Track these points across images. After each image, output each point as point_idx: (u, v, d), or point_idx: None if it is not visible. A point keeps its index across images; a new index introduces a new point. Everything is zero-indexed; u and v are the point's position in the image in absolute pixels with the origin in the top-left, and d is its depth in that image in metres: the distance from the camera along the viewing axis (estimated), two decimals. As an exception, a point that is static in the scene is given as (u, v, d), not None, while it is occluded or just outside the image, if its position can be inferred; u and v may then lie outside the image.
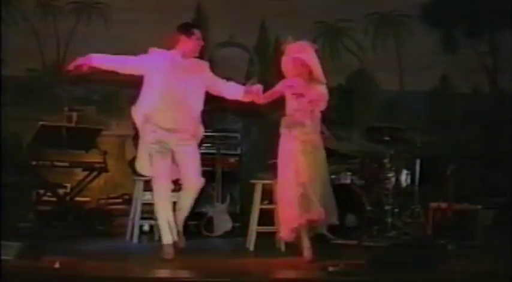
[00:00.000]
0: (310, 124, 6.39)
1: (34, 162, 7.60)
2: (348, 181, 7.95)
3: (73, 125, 7.99)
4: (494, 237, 7.65)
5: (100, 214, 8.25)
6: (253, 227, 7.01)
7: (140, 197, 7.30)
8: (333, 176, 7.33)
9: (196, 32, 6.39)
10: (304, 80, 6.42)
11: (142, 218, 7.34)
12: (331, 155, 7.11)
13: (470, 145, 9.63)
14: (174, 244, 6.30)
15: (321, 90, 6.40)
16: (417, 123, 9.25)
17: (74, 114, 8.07)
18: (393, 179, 7.93)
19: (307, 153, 6.32)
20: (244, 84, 6.56)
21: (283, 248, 6.83)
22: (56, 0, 9.40)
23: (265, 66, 9.49)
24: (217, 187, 7.90)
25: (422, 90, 9.87)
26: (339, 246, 6.96)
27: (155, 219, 7.11)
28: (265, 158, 7.36)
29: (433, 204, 7.65)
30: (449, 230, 7.26)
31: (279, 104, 6.55)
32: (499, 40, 9.90)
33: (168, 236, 6.23)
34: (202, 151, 7.40)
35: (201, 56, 6.51)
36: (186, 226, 6.67)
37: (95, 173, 7.99)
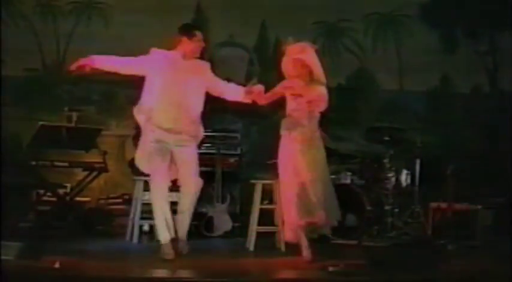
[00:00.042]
0: (309, 124, 6.39)
1: (34, 162, 7.60)
2: (348, 181, 7.96)
3: (73, 125, 7.99)
4: (494, 237, 7.65)
5: (100, 214, 8.25)
6: (253, 227, 7.01)
7: (140, 197, 7.30)
8: (333, 176, 7.32)
9: (198, 33, 6.39)
10: (304, 81, 6.43)
11: (142, 218, 7.33)
12: (331, 155, 7.12)
13: (470, 145, 9.63)
14: (176, 247, 6.31)
15: (321, 91, 6.40)
16: (417, 123, 9.25)
17: (74, 114, 8.07)
18: (393, 179, 7.93)
19: (306, 154, 6.32)
20: (244, 85, 6.56)
21: (283, 248, 6.83)
22: (56, 0, 9.40)
23: (265, 66, 9.49)
24: (217, 187, 7.90)
25: (422, 90, 9.87)
26: (339, 246, 6.96)
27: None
28: (265, 158, 7.37)
29: (433, 204, 7.66)
30: (449, 230, 7.26)
31: (279, 105, 6.55)
32: (499, 40, 9.90)
33: (165, 234, 6.23)
34: (202, 151, 7.42)
35: (201, 56, 6.52)
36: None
37: (95, 173, 7.99)
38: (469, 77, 9.83)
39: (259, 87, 6.47)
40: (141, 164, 6.39)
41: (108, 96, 9.29)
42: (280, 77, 6.57)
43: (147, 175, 6.45)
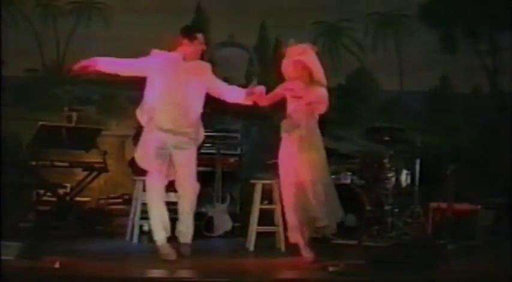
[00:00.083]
0: (309, 126, 6.39)
1: (34, 162, 7.60)
2: (348, 181, 7.95)
3: (73, 125, 7.99)
4: (494, 237, 7.65)
5: (100, 214, 8.25)
6: (253, 227, 7.01)
7: (140, 197, 7.29)
8: (333, 176, 7.32)
9: (199, 36, 6.37)
10: (304, 83, 6.43)
11: (142, 218, 7.33)
12: (331, 155, 7.12)
13: (470, 145, 9.63)
14: (175, 247, 6.31)
15: (321, 93, 6.40)
16: (417, 123, 9.25)
17: (74, 114, 8.07)
18: (393, 179, 7.92)
19: (306, 155, 6.33)
20: (245, 86, 6.56)
21: (283, 248, 6.83)
22: (56, 0, 9.40)
23: (265, 66, 9.50)
24: (217, 187, 7.90)
25: (422, 90, 9.87)
26: (339, 246, 6.96)
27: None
28: (265, 158, 7.37)
29: (433, 204, 7.66)
30: (449, 230, 7.26)
31: (280, 106, 6.55)
32: (499, 40, 9.90)
33: (160, 234, 6.24)
34: (202, 151, 7.42)
35: (201, 57, 6.51)
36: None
37: (95, 173, 7.99)
38: (469, 77, 9.83)
39: (261, 89, 6.47)
40: (140, 161, 6.40)
41: (108, 96, 9.29)
42: (280, 77, 6.57)
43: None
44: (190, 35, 6.35)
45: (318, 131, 6.45)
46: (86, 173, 8.03)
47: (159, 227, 6.25)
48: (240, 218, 7.96)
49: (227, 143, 8.35)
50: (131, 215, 7.43)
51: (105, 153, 8.01)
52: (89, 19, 9.44)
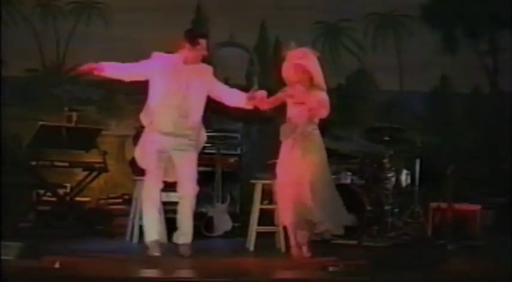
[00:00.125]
0: (308, 129, 6.39)
1: (34, 162, 7.59)
2: (348, 181, 7.96)
3: (73, 125, 7.99)
4: (494, 237, 7.65)
5: (100, 214, 8.25)
6: (253, 227, 7.01)
7: (140, 197, 7.29)
8: (333, 176, 7.33)
9: (202, 42, 6.32)
10: (304, 87, 6.43)
11: (142, 218, 7.32)
12: (331, 155, 7.12)
13: (470, 145, 9.63)
14: (179, 251, 6.34)
15: (322, 97, 6.40)
16: (417, 123, 9.25)
17: (74, 114, 8.06)
18: (393, 179, 7.93)
19: (306, 159, 6.33)
20: (246, 89, 6.55)
21: (283, 248, 6.83)
22: (56, 0, 9.40)
23: (265, 66, 9.50)
24: (217, 187, 7.90)
25: (422, 90, 9.87)
26: (339, 246, 6.96)
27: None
28: (265, 158, 7.37)
29: (433, 204, 7.66)
30: (449, 230, 7.26)
31: (280, 109, 6.56)
32: (499, 40, 9.91)
33: (150, 234, 6.26)
34: (202, 151, 7.41)
35: (202, 60, 6.49)
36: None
37: (95, 173, 7.98)
38: (469, 77, 9.84)
39: (262, 93, 6.46)
40: (140, 161, 6.42)
41: (108, 96, 9.29)
42: (281, 81, 6.57)
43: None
44: (192, 40, 6.31)
45: (318, 134, 6.46)
46: (86, 173, 8.03)
47: (149, 227, 6.28)
48: (240, 218, 7.96)
49: (227, 143, 8.35)
50: (131, 215, 7.42)
51: (105, 153, 8.00)
52: (88, 19, 9.44)
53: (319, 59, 6.50)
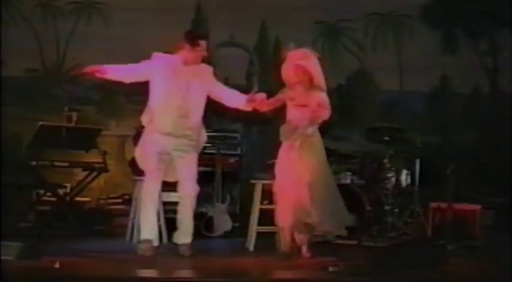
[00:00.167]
0: (308, 130, 6.39)
1: (34, 162, 7.60)
2: (348, 181, 7.96)
3: (73, 125, 7.99)
4: (494, 237, 7.65)
5: (100, 214, 8.25)
6: (253, 227, 7.01)
7: (139, 196, 7.29)
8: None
9: (202, 43, 6.33)
10: (304, 87, 6.42)
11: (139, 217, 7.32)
12: (331, 155, 7.12)
13: (470, 145, 9.63)
14: (179, 251, 6.35)
15: (322, 98, 6.39)
16: (417, 123, 9.25)
17: (74, 114, 8.07)
18: (393, 179, 7.92)
19: (305, 160, 6.33)
20: (246, 91, 6.54)
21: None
22: (56, 0, 9.40)
23: (265, 66, 9.50)
24: (217, 187, 7.91)
25: (422, 91, 9.87)
26: (339, 246, 6.96)
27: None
28: (265, 158, 7.36)
29: (433, 204, 7.66)
30: (449, 230, 7.26)
31: (280, 110, 6.57)
32: (499, 40, 9.91)
33: (145, 232, 6.27)
34: (202, 151, 7.41)
35: (202, 60, 6.49)
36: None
37: (95, 173, 7.99)
38: (469, 77, 9.84)
39: (261, 96, 6.46)
40: (139, 161, 6.42)
41: (108, 96, 9.29)
42: (280, 82, 6.57)
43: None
44: (192, 41, 6.31)
45: (318, 135, 6.46)
46: (86, 173, 8.03)
47: (145, 225, 6.29)
48: (240, 218, 7.96)
49: (227, 143, 8.35)
50: (131, 215, 7.42)
51: (105, 153, 8.01)
52: (88, 19, 9.44)
53: (319, 59, 6.50)
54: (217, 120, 8.36)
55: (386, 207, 7.77)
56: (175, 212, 6.48)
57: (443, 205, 7.48)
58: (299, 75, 6.42)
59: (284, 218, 6.38)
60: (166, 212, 7.28)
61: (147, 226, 6.29)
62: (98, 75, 6.25)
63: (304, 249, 6.44)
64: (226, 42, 9.53)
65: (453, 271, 5.89)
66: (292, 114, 6.44)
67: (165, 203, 7.31)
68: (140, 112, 6.46)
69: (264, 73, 9.46)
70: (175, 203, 6.50)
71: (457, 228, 7.31)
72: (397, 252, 6.37)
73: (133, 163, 6.81)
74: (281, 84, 6.60)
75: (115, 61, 6.45)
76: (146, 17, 9.20)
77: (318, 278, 5.67)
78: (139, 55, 6.47)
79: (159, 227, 7.23)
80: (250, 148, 9.03)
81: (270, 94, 6.60)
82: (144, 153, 6.34)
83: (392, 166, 7.93)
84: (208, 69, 6.48)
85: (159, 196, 6.49)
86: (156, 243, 6.34)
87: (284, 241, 6.49)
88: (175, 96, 6.24)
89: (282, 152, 6.47)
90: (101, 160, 7.97)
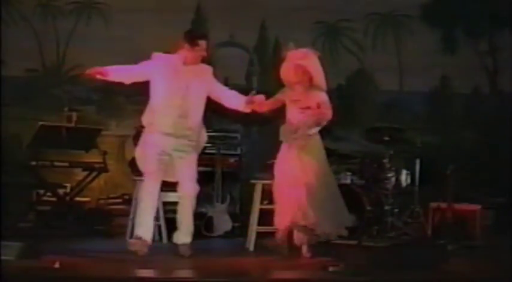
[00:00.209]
0: (308, 130, 6.39)
1: (34, 162, 7.60)
2: (348, 181, 7.95)
3: (73, 125, 7.99)
4: (494, 237, 7.65)
5: (100, 214, 8.25)
6: (253, 227, 7.01)
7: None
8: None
9: (201, 43, 6.34)
10: (303, 87, 6.42)
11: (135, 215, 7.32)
12: (331, 155, 7.12)
13: (470, 145, 9.63)
14: (179, 251, 6.36)
15: (322, 98, 6.39)
16: (417, 123, 9.25)
17: (74, 114, 8.07)
18: (393, 179, 7.92)
19: (306, 161, 6.33)
20: (246, 92, 6.54)
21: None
22: (55, 0, 9.39)
23: (265, 66, 9.49)
24: (217, 187, 7.91)
25: (422, 91, 9.86)
26: (339, 246, 6.96)
27: (155, 219, 7.13)
28: (265, 158, 7.36)
29: (433, 204, 7.66)
30: (449, 230, 7.26)
31: (280, 110, 6.57)
32: (499, 40, 9.90)
33: (140, 229, 6.27)
34: (202, 151, 7.42)
35: (202, 60, 6.49)
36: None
37: (94, 173, 7.99)
38: (469, 77, 9.83)
39: (260, 97, 6.46)
40: (139, 162, 6.42)
41: (108, 96, 9.28)
42: (280, 82, 6.56)
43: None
44: (191, 41, 6.32)
45: (318, 136, 6.46)
46: (85, 173, 8.03)
47: (140, 224, 6.29)
48: (240, 218, 7.96)
49: (227, 143, 8.35)
50: (131, 215, 7.41)
51: (105, 153, 8.01)
52: (88, 19, 9.43)
53: (320, 59, 6.49)
54: (217, 120, 8.35)
55: (387, 207, 7.77)
56: (175, 212, 6.49)
57: (443, 205, 7.48)
58: (299, 75, 6.42)
59: (282, 219, 6.38)
60: (166, 212, 7.29)
61: (143, 224, 6.29)
62: (100, 77, 6.25)
63: (304, 249, 6.44)
64: (226, 42, 9.53)
65: (453, 271, 5.89)
66: (292, 114, 6.45)
67: (165, 203, 7.31)
68: (140, 112, 6.47)
69: (264, 73, 9.46)
70: (175, 203, 6.50)
71: (457, 228, 7.31)
72: (397, 252, 6.37)
73: (133, 163, 6.81)
74: (281, 85, 6.60)
75: (115, 61, 6.46)
76: (146, 17, 9.19)
77: (318, 278, 5.67)
78: (139, 55, 6.48)
79: (159, 227, 7.27)
80: (250, 148, 9.02)
81: (270, 94, 6.60)
82: (144, 154, 6.35)
83: (393, 166, 7.93)
84: (208, 69, 6.48)
85: (159, 196, 6.49)
86: (149, 242, 6.32)
87: (283, 242, 6.50)
88: (176, 95, 6.24)
89: (282, 153, 6.47)
90: (101, 160, 7.97)
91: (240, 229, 7.77)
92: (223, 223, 7.85)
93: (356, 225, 7.29)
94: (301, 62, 6.41)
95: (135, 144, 6.72)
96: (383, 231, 7.66)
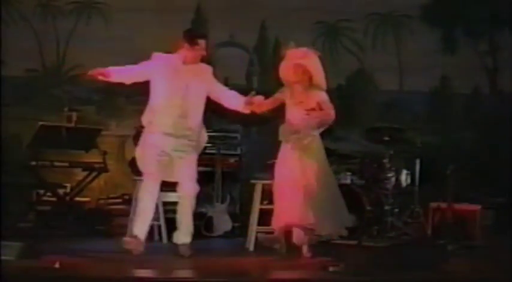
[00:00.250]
0: (307, 130, 6.39)
1: (34, 162, 7.60)
2: (348, 181, 7.95)
3: (73, 125, 7.99)
4: (494, 237, 7.65)
5: (100, 214, 8.25)
6: (253, 227, 7.01)
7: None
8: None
9: (201, 42, 6.35)
10: (303, 87, 6.42)
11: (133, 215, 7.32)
12: (331, 155, 7.12)
13: (470, 145, 9.63)
14: (178, 251, 6.36)
15: (322, 97, 6.39)
16: (417, 123, 9.25)
17: (74, 114, 8.07)
18: (393, 179, 7.92)
19: (304, 160, 6.33)
20: (245, 92, 6.54)
21: (283, 248, 6.82)
22: (55, 0, 9.39)
23: (265, 66, 9.49)
24: (217, 187, 7.91)
25: (422, 91, 9.86)
26: (339, 246, 6.96)
27: (155, 219, 7.14)
28: (265, 158, 7.36)
29: (433, 204, 7.66)
30: (449, 230, 7.26)
31: (280, 110, 6.56)
32: (499, 40, 9.90)
33: (137, 228, 6.28)
34: (202, 151, 7.42)
35: (201, 60, 6.49)
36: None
37: (94, 173, 7.99)
38: (469, 77, 9.83)
39: (259, 98, 6.46)
40: (139, 162, 6.42)
41: (108, 96, 9.28)
42: (279, 81, 6.56)
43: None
44: (191, 40, 6.33)
45: (318, 137, 6.46)
46: (85, 173, 8.03)
47: (138, 222, 6.30)
48: (240, 218, 7.96)
49: (227, 143, 8.35)
50: (131, 215, 7.41)
51: (105, 153, 8.01)
52: (88, 19, 9.43)
53: (320, 58, 6.49)
54: (217, 120, 8.35)
55: (387, 207, 7.77)
56: (175, 212, 6.49)
57: (443, 205, 7.48)
58: (299, 74, 6.41)
59: (279, 218, 6.38)
60: (166, 212, 7.28)
61: (140, 224, 6.29)
62: (101, 78, 6.25)
63: (304, 249, 6.44)
64: (226, 42, 9.53)
65: (453, 271, 5.89)
66: (292, 113, 6.44)
67: (165, 203, 7.31)
68: (140, 112, 6.47)
69: (264, 73, 9.46)
70: (175, 203, 6.50)
71: (457, 228, 7.31)
72: (397, 252, 6.38)
73: (133, 163, 6.81)
74: (281, 85, 6.61)
75: (115, 61, 6.46)
76: (146, 17, 9.19)
77: (318, 278, 5.67)
78: (139, 55, 6.48)
79: (159, 227, 7.27)
80: (250, 148, 9.02)
81: (270, 95, 6.60)
82: (144, 155, 6.34)
83: (393, 166, 7.93)
84: (207, 69, 6.48)
85: (158, 196, 6.49)
86: (144, 240, 6.32)
87: (280, 242, 6.51)
88: (176, 95, 6.25)
89: (282, 153, 6.47)
90: (101, 160, 7.97)
91: (240, 229, 7.76)
92: (223, 223, 7.85)
93: (356, 225, 7.30)
94: (301, 61, 6.40)
95: (135, 144, 6.72)
96: (383, 231, 7.66)
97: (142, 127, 6.52)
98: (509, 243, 6.89)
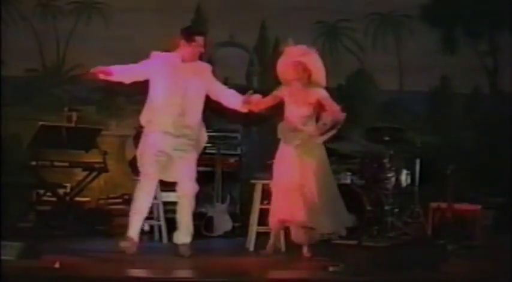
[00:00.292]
0: (306, 129, 6.38)
1: (34, 162, 7.60)
2: (348, 181, 7.96)
3: (73, 125, 7.99)
4: (494, 237, 7.65)
5: (100, 214, 8.25)
6: (253, 227, 7.01)
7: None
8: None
9: (198, 38, 6.35)
10: (302, 84, 6.42)
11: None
12: (331, 155, 7.12)
13: (470, 145, 9.63)
14: (178, 251, 6.36)
15: (322, 94, 6.39)
16: (417, 123, 9.25)
17: (74, 114, 8.07)
18: (393, 179, 7.93)
19: (303, 159, 6.33)
20: (244, 91, 6.54)
21: (283, 248, 6.83)
22: (55, 0, 9.39)
23: (265, 67, 9.49)
24: (217, 187, 7.91)
25: (422, 91, 9.86)
26: (339, 246, 6.96)
27: (155, 219, 7.14)
28: (265, 158, 7.36)
29: (433, 204, 7.66)
30: (449, 230, 7.26)
31: (279, 108, 6.56)
32: (499, 40, 9.90)
33: (133, 230, 6.28)
34: (202, 151, 7.42)
35: (200, 58, 6.50)
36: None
37: (94, 173, 7.99)
38: (469, 77, 9.83)
39: (257, 97, 6.46)
40: (139, 162, 6.42)
41: (108, 96, 9.28)
42: (279, 81, 6.56)
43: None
44: (188, 36, 6.34)
45: (317, 134, 6.46)
46: (85, 173, 8.03)
47: (134, 223, 6.30)
48: (240, 218, 7.96)
49: (227, 143, 8.35)
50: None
51: (105, 153, 8.00)
52: (88, 19, 9.42)
53: (319, 55, 6.49)
54: (217, 120, 8.35)
55: (387, 207, 7.77)
56: (175, 212, 6.48)
57: (443, 205, 7.48)
58: (299, 72, 6.40)
59: (275, 216, 6.39)
60: (166, 212, 7.28)
61: (136, 224, 6.29)
62: (102, 76, 6.25)
63: (304, 249, 6.44)
64: (226, 42, 9.53)
65: (453, 271, 5.89)
66: (289, 110, 6.43)
67: (164, 203, 7.31)
68: (140, 112, 6.47)
69: (264, 73, 9.45)
70: (175, 203, 6.50)
71: (457, 228, 7.32)
72: (397, 252, 6.36)
73: (133, 163, 6.81)
74: (281, 84, 6.60)
75: (115, 61, 6.46)
76: (146, 17, 9.19)
77: (318, 278, 5.67)
78: (139, 55, 6.48)
79: (159, 227, 7.27)
80: (250, 148, 9.02)
81: (270, 94, 6.60)
82: (144, 155, 6.34)
83: (393, 166, 7.93)
84: (207, 67, 6.49)
85: (155, 196, 6.47)
86: (137, 240, 6.32)
87: (275, 241, 6.52)
88: (175, 94, 6.25)
89: (280, 151, 6.46)
90: (101, 160, 7.97)
91: (240, 229, 7.77)
92: (223, 223, 7.85)
93: (356, 225, 7.30)
94: (302, 59, 6.40)
95: (136, 144, 6.73)
96: (383, 231, 7.67)
97: (142, 127, 6.52)
98: (509, 243, 6.89)
